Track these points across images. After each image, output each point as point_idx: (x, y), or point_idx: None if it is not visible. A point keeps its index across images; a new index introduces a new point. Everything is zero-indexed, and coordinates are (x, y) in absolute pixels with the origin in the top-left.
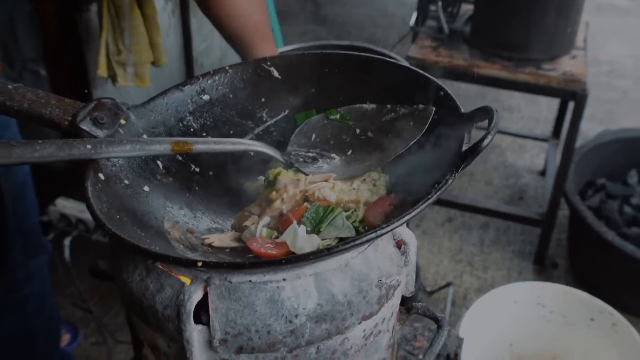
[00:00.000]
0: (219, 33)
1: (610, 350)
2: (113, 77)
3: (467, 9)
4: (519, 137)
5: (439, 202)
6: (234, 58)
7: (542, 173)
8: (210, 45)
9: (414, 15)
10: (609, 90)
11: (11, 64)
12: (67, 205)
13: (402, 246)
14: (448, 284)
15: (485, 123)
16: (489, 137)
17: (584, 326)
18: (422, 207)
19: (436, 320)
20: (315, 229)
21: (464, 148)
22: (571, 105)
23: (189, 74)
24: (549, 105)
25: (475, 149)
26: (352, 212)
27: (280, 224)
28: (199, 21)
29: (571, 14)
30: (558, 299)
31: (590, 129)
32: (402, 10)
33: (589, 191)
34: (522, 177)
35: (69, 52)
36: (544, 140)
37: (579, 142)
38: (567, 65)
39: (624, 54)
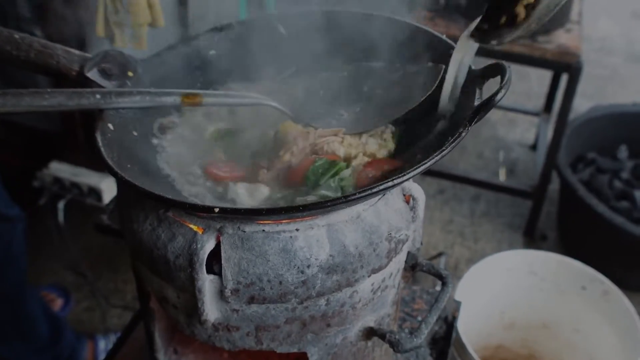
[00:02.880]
0: None
1: (601, 318)
2: (111, 38)
3: None
4: (510, 111)
5: (431, 173)
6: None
7: (533, 147)
8: (206, 10)
9: None
10: (599, 67)
11: (5, 23)
12: (60, 169)
13: (411, 201)
14: (440, 254)
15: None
16: (502, 91)
17: (575, 294)
18: (437, 158)
19: (441, 277)
20: (315, 184)
21: (477, 103)
22: (563, 80)
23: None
24: (539, 81)
25: (489, 103)
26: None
27: (289, 175)
28: None
29: None
30: (550, 267)
31: (581, 104)
32: None
33: (580, 165)
34: (513, 150)
35: (65, 11)
36: (536, 114)
37: (569, 118)
38: (561, 38)
39: (614, 31)
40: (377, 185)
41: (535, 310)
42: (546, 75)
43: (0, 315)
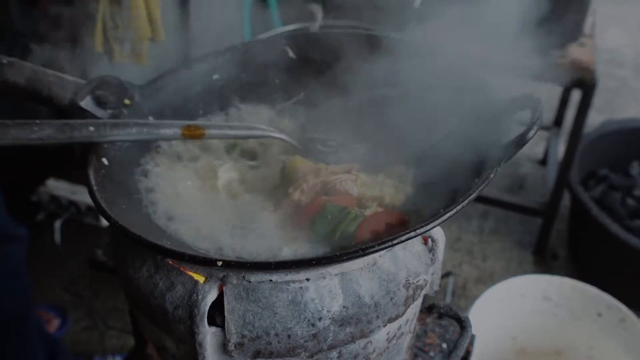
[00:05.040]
0: (216, 11)
1: (617, 347)
2: (109, 53)
3: None
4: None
5: None
6: (232, 37)
7: (542, 162)
8: (208, 23)
9: None
10: (608, 79)
11: (1, 38)
12: (58, 187)
13: (429, 242)
14: (448, 274)
15: None
16: (535, 127)
17: (590, 321)
18: (464, 203)
19: (460, 321)
20: (331, 235)
21: (505, 140)
22: (574, 93)
23: (187, 53)
24: (549, 94)
25: (520, 141)
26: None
27: (297, 217)
28: None
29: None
30: (565, 293)
31: (590, 117)
32: None
33: (591, 181)
34: (522, 165)
35: (63, 26)
36: (545, 128)
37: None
38: (575, 52)
39: (623, 42)
40: (398, 237)
41: (548, 337)
42: (555, 87)
43: (6, 336)
